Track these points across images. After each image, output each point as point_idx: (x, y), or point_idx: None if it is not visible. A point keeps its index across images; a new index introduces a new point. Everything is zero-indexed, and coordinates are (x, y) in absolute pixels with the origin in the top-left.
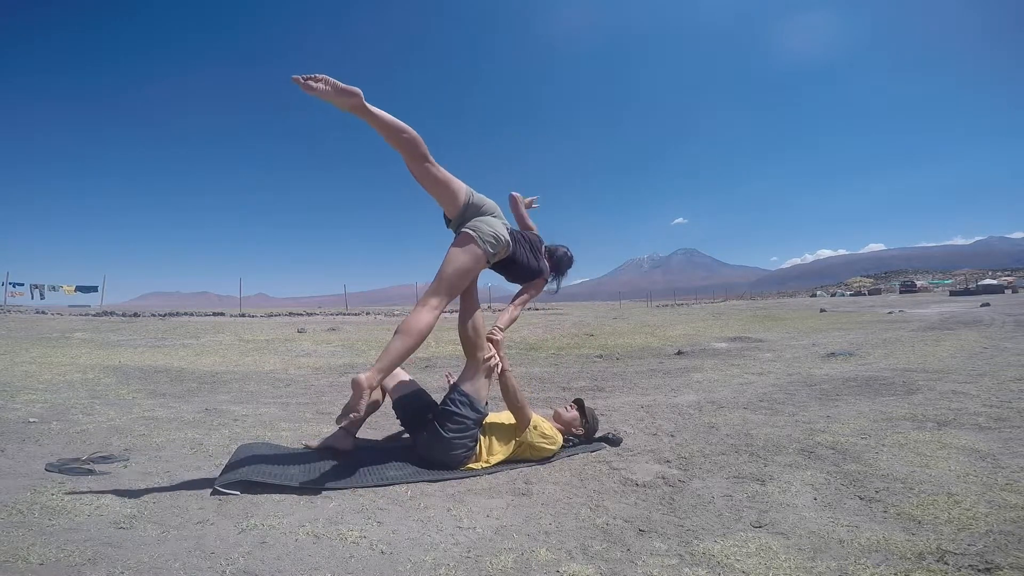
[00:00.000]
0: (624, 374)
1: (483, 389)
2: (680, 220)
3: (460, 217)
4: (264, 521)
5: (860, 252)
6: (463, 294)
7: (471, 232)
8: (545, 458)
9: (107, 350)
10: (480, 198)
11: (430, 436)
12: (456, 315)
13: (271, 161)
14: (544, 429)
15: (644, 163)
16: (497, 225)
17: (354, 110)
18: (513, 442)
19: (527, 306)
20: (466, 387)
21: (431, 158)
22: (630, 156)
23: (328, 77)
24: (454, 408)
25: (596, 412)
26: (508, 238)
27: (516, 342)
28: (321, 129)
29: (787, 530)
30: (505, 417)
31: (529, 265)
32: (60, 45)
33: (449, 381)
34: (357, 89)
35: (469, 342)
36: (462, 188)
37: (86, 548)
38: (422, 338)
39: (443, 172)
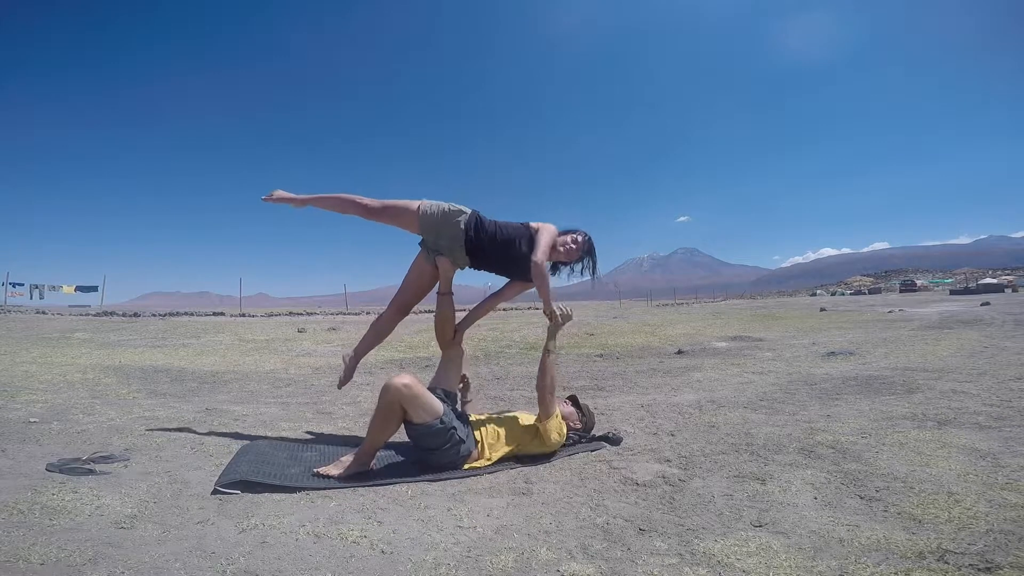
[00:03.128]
0: (624, 373)
1: (451, 382)
2: (684, 218)
3: (426, 232)
4: (265, 521)
5: (861, 251)
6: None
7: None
8: (547, 455)
9: (107, 350)
10: (432, 206)
11: (420, 447)
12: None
13: (271, 161)
14: (559, 424)
15: (647, 161)
16: (457, 205)
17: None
18: (516, 438)
19: (509, 302)
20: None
21: (371, 203)
22: (633, 155)
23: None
24: (426, 441)
25: (592, 408)
26: (456, 210)
27: (516, 341)
28: (321, 129)
29: (787, 529)
30: (502, 416)
31: (501, 232)
32: (61, 44)
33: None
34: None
35: (444, 338)
36: (411, 204)
37: (87, 548)
38: (336, 201)
39: (390, 204)
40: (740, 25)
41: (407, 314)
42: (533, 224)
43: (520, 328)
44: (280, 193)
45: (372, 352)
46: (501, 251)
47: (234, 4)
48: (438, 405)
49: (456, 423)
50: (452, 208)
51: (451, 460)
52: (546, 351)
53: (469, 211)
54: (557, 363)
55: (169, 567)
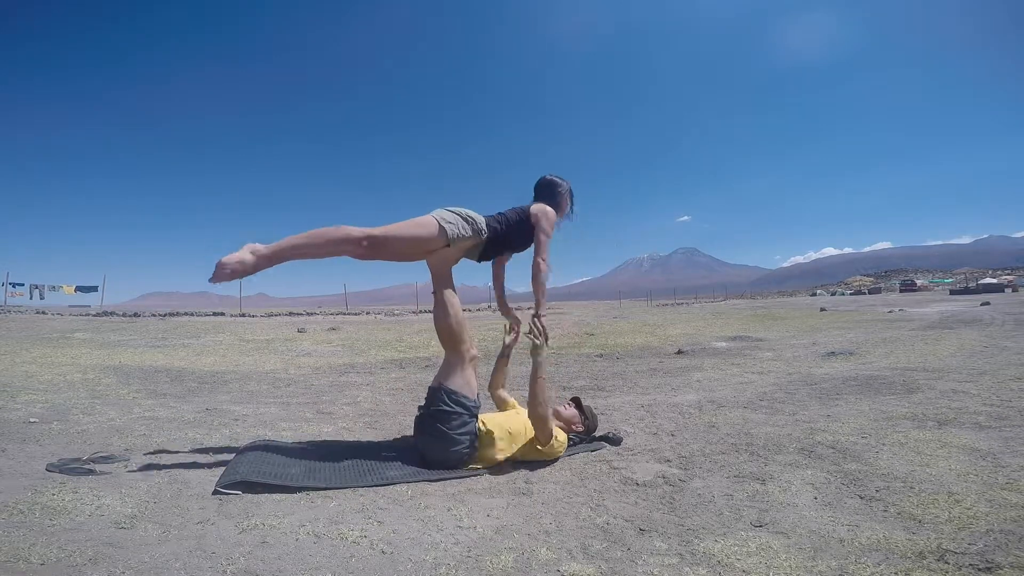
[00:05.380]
0: (624, 373)
1: (471, 382)
2: (684, 218)
3: (460, 240)
4: (265, 521)
5: (862, 251)
6: (441, 284)
7: (434, 213)
8: (548, 460)
9: (107, 350)
10: (452, 219)
11: (430, 434)
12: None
13: (270, 161)
14: (557, 435)
15: (647, 161)
16: (471, 212)
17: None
18: (517, 442)
19: (511, 303)
20: (453, 384)
21: (368, 233)
22: (633, 155)
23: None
24: (446, 407)
25: (594, 410)
26: (480, 224)
27: None
28: (320, 128)
29: (787, 529)
30: (508, 416)
31: (511, 221)
32: (60, 44)
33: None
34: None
35: (452, 335)
36: (426, 222)
37: (87, 548)
38: (322, 242)
39: (399, 229)
40: (740, 24)
41: (369, 257)
42: (532, 208)
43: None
44: (227, 265)
45: (373, 352)
46: (511, 235)
47: (233, 4)
48: (474, 388)
49: (472, 425)
50: (471, 216)
51: (454, 460)
52: (537, 376)
53: (483, 219)
54: (549, 384)
55: (169, 567)
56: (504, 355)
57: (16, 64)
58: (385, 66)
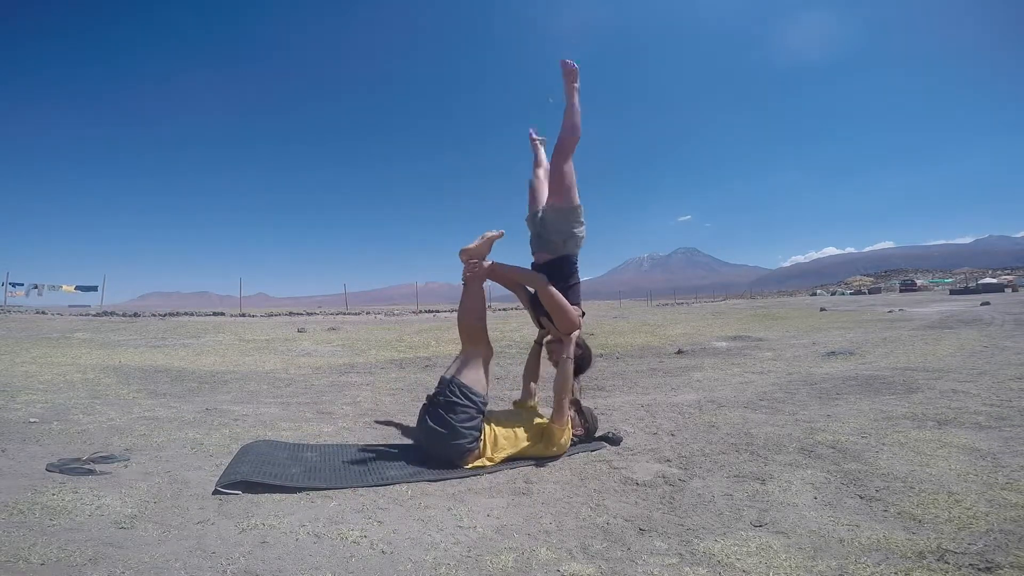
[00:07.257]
0: (624, 373)
1: (484, 379)
2: (684, 218)
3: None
4: (265, 521)
5: (863, 251)
6: (476, 278)
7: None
8: (549, 457)
9: (107, 350)
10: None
11: (436, 425)
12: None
13: (271, 161)
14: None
15: (647, 161)
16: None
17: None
18: (518, 440)
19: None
20: (466, 378)
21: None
22: (633, 155)
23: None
24: (456, 399)
25: (594, 411)
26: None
27: (516, 342)
28: (320, 129)
29: (787, 529)
30: (511, 414)
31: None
32: (60, 44)
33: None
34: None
35: (475, 330)
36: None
37: (87, 548)
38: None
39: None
40: (741, 23)
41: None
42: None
43: (520, 328)
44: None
45: (373, 352)
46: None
47: (233, 3)
48: (486, 386)
49: (478, 421)
50: (578, 232)
51: (455, 453)
52: (567, 358)
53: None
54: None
55: (169, 567)
56: (538, 341)
57: (16, 64)
58: (384, 66)
